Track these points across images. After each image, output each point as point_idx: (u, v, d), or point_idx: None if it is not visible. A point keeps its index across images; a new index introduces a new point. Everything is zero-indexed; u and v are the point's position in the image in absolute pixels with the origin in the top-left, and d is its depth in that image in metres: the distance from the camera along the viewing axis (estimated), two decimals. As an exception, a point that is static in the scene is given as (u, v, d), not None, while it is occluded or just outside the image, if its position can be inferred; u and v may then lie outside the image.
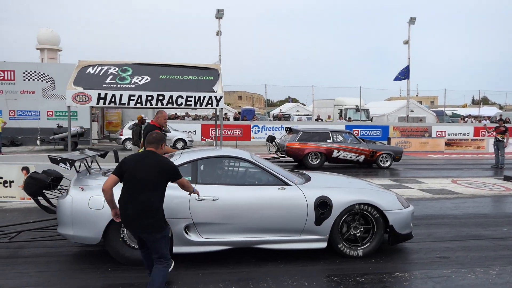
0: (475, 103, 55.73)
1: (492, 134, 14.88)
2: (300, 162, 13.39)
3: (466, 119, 32.58)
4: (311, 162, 13.20)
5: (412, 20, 28.55)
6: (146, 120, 13.50)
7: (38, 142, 20.43)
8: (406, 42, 29.14)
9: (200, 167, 4.90)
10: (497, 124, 15.01)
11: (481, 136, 25.39)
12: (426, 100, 63.59)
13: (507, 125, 17.01)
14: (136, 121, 12.28)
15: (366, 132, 25.74)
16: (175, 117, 27.95)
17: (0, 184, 7.68)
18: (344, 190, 5.12)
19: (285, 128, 16.06)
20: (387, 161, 13.57)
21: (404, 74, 28.38)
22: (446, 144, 21.44)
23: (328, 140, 13.42)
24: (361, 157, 13.39)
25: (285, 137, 14.23)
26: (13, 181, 7.68)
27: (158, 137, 3.76)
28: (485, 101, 53.73)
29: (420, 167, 14.66)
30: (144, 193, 3.56)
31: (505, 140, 14.21)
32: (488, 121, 30.57)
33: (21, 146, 20.79)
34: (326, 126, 23.17)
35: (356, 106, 29.93)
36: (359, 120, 28.58)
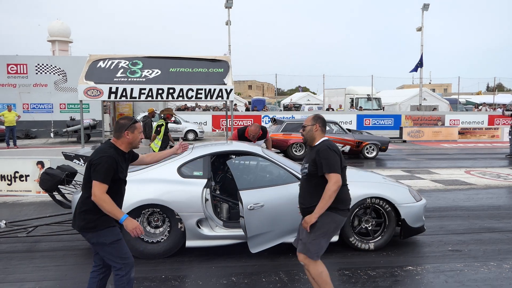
0: (490, 90, 54.78)
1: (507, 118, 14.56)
2: (284, 153, 13.30)
3: (480, 107, 32.08)
4: (295, 152, 13.21)
5: (425, 7, 28.05)
6: (156, 113, 13.60)
7: (51, 134, 20.74)
8: (419, 29, 28.66)
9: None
10: None
11: (496, 124, 25.01)
12: (439, 87, 62.66)
13: None
14: (147, 113, 12.38)
15: (377, 121, 25.54)
16: (185, 108, 28.05)
17: (16, 178, 7.84)
18: (355, 184, 5.07)
19: (271, 119, 15.98)
20: (373, 151, 13.43)
21: (419, 64, 28.07)
22: (459, 133, 21.19)
23: None
24: (347, 148, 13.28)
25: (270, 128, 14.12)
26: (28, 175, 7.83)
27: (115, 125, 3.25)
28: (500, 88, 52.76)
29: (433, 157, 14.53)
30: (80, 192, 3.32)
31: None
32: (503, 109, 30.05)
33: (35, 139, 21.13)
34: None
35: (368, 95, 29.68)
36: (370, 109, 28.36)
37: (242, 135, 6.90)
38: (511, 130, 14.11)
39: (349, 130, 14.16)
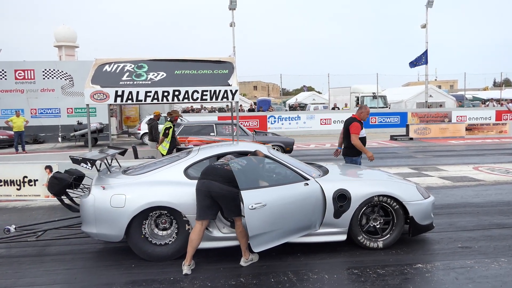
0: (496, 85, 54.30)
1: None
2: None
3: (487, 103, 31.79)
4: None
5: (429, 3, 27.91)
6: (162, 115, 13.65)
7: (59, 139, 20.92)
8: (424, 26, 28.51)
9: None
10: None
11: (504, 120, 24.77)
12: (445, 84, 62.25)
13: None
14: (153, 116, 12.43)
15: (384, 119, 25.42)
16: (191, 110, 28.13)
17: (25, 182, 7.90)
18: (363, 182, 5.10)
19: None
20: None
21: (420, 60, 27.85)
22: (466, 129, 21.02)
23: (211, 133, 12.77)
24: None
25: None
26: (37, 180, 7.89)
27: None
28: (507, 83, 52.28)
29: (440, 154, 14.42)
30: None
31: None
32: (511, 104, 29.76)
33: (43, 144, 21.29)
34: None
35: (373, 93, 29.55)
36: (376, 108, 28.23)
37: (361, 122, 6.89)
38: None
39: (257, 131, 13.82)
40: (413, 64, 28.12)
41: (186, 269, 4.35)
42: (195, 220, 4.50)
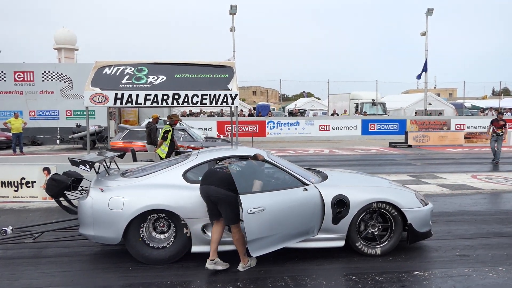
0: (495, 94, 54.54)
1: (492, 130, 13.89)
2: None
3: (486, 111, 31.90)
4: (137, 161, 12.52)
5: (429, 11, 28.06)
6: (160, 119, 13.61)
7: (57, 141, 20.88)
8: (424, 34, 28.66)
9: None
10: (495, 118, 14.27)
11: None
12: (444, 92, 62.51)
13: None
14: (151, 120, 12.41)
15: (382, 126, 25.47)
16: (190, 114, 28.13)
17: (23, 184, 7.88)
18: (361, 189, 5.09)
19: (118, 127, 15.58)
20: None
21: (424, 69, 28.17)
22: (465, 137, 21.07)
23: None
24: None
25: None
26: (35, 181, 7.86)
27: None
28: (506, 92, 52.52)
29: (439, 161, 14.44)
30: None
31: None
32: (509, 113, 29.90)
33: (41, 146, 21.25)
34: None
35: (373, 100, 29.63)
36: (375, 114, 28.30)
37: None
38: (494, 134, 13.67)
39: (209, 138, 13.65)
40: (419, 76, 28.58)
41: (208, 263, 4.46)
42: (192, 224, 4.50)
